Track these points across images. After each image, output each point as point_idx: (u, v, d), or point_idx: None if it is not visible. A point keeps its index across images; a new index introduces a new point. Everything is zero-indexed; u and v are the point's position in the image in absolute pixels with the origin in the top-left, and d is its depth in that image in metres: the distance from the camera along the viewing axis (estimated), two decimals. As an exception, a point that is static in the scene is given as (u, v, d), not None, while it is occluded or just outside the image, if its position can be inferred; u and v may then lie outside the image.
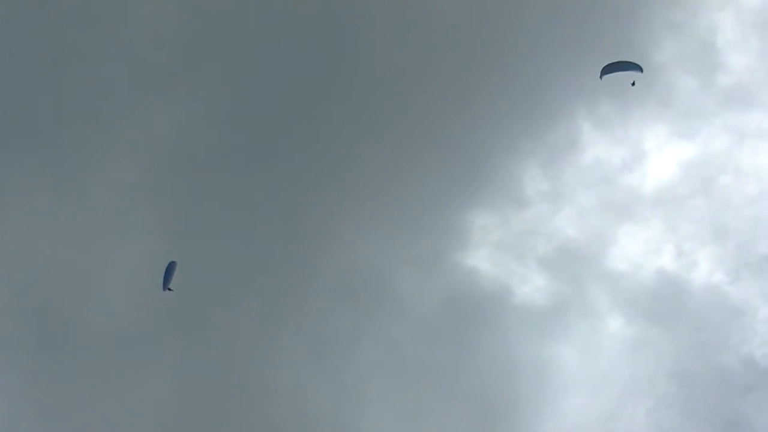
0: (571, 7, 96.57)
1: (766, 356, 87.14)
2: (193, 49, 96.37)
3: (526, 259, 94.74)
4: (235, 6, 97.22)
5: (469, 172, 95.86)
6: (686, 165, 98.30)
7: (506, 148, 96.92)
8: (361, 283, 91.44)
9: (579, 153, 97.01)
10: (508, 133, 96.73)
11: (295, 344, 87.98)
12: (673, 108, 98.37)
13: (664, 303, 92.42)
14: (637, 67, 76.19)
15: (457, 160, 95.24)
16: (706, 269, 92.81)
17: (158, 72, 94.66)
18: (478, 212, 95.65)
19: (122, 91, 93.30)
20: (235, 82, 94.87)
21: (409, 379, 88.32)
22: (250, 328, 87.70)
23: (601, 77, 76.04)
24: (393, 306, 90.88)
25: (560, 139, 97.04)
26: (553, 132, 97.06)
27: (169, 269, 73.27)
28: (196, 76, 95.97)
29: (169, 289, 72.27)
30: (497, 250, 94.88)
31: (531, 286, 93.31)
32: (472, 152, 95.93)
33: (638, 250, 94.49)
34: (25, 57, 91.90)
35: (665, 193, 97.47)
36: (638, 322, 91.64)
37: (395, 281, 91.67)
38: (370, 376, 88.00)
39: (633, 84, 77.83)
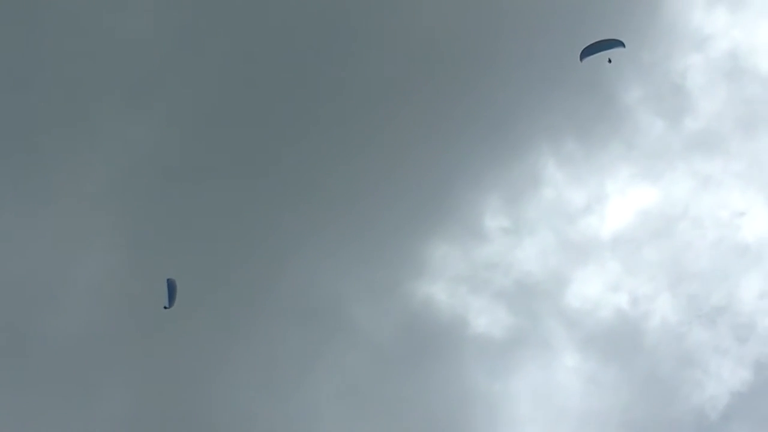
0: (540, 44, 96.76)
1: (716, 410, 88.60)
2: (166, 60, 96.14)
3: (484, 291, 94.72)
4: (209, 19, 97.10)
5: (430, 203, 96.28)
6: (646, 210, 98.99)
7: (469, 181, 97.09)
8: (317, 309, 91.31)
9: (541, 190, 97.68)
10: (472, 166, 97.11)
11: (249, 365, 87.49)
12: (638, 149, 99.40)
13: (619, 342, 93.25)
14: (618, 44, 75.90)
15: (419, 190, 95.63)
16: (660, 315, 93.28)
17: (129, 82, 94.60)
18: (438, 243, 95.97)
19: (92, 101, 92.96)
20: (203, 100, 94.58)
21: (362, 406, 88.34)
22: (205, 346, 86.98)
23: (581, 60, 76.36)
24: (348, 333, 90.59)
25: (523, 174, 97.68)
26: (517, 167, 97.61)
27: (172, 287, 73.71)
28: (165, 89, 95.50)
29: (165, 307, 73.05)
30: (455, 282, 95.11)
31: (487, 319, 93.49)
32: (434, 183, 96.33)
33: (596, 289, 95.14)
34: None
35: (624, 236, 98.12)
36: (593, 359, 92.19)
37: (351, 308, 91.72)
38: (322, 402, 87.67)
39: (609, 61, 77.84)
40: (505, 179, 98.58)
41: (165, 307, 72.87)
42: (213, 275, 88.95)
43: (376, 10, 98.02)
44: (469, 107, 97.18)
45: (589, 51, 75.67)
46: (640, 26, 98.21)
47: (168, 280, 72.91)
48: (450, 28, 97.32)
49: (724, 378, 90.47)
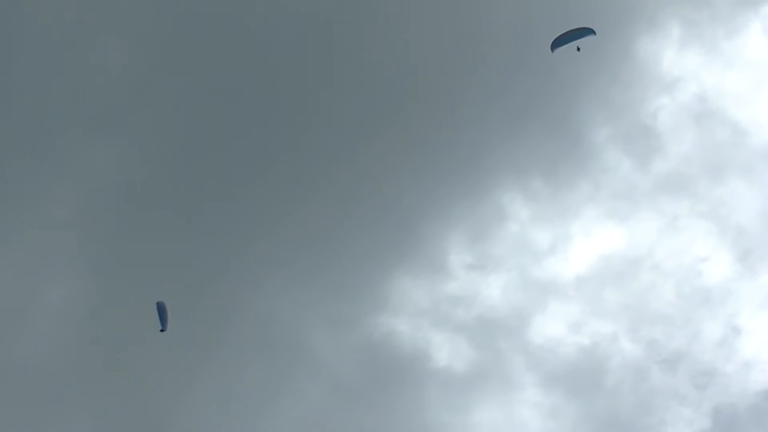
0: (512, 81, 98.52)
1: None
2: (133, 87, 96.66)
3: (446, 326, 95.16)
4: (177, 44, 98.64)
5: (395, 237, 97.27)
6: (611, 251, 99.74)
7: (434, 216, 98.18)
8: (279, 341, 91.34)
9: (506, 227, 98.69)
10: (438, 201, 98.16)
11: (210, 395, 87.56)
12: (605, 189, 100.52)
13: (581, 381, 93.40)
14: (589, 32, 76.07)
15: (384, 224, 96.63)
16: (621, 358, 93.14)
17: (96, 108, 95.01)
18: (401, 277, 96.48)
19: (59, 126, 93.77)
20: (169, 129, 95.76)
21: None
22: (167, 376, 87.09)
23: (552, 51, 76.60)
24: (309, 366, 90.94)
25: (490, 211, 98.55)
26: (483, 204, 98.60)
27: (162, 310, 73.61)
28: (132, 116, 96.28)
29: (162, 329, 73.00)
30: (418, 316, 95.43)
31: (449, 353, 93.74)
32: (399, 217, 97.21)
33: (558, 327, 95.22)
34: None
35: (587, 277, 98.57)
36: (555, 396, 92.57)
37: (313, 341, 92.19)
38: None
39: (578, 50, 77.56)
40: (470, 215, 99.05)
41: (161, 330, 72.90)
42: (175, 304, 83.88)
43: (345, 46, 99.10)
44: (436, 142, 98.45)
45: (559, 42, 76.20)
46: (612, 66, 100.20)
47: (157, 303, 73.00)
48: (418, 65, 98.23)
49: (681, 426, 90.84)
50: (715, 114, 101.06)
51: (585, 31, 75.51)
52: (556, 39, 75.89)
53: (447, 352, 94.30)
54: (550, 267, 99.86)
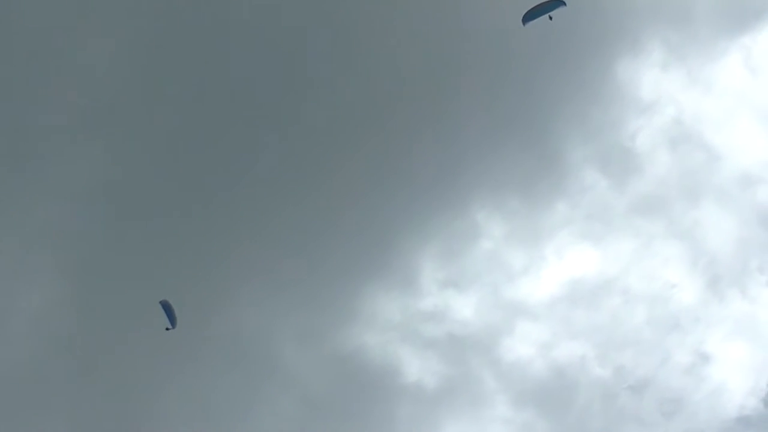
0: (491, 98, 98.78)
1: None
2: (110, 98, 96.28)
3: (418, 341, 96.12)
4: (159, 50, 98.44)
5: (370, 251, 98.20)
6: (583, 273, 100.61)
7: (410, 231, 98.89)
8: (250, 353, 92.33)
9: (481, 244, 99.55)
10: (414, 216, 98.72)
11: (182, 407, 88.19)
12: (581, 210, 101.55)
13: (550, 399, 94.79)
14: (560, 3, 76.49)
15: (357, 238, 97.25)
16: (589, 381, 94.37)
17: (71, 120, 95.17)
18: (374, 292, 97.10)
19: (35, 137, 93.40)
20: (140, 142, 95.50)
21: None
22: (139, 388, 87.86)
23: (524, 24, 76.87)
24: (280, 379, 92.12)
25: (465, 228, 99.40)
26: (459, 220, 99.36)
27: (167, 308, 74.06)
28: (111, 124, 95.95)
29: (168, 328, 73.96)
30: (389, 331, 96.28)
31: (420, 369, 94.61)
32: (375, 231, 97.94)
33: (528, 346, 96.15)
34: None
35: (559, 297, 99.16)
36: (525, 412, 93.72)
37: (284, 354, 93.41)
38: None
39: (550, 18, 77.22)
40: (445, 232, 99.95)
41: (167, 329, 73.53)
42: (147, 316, 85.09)
43: (326, 62, 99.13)
44: (412, 159, 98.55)
45: (531, 15, 76.46)
46: (592, 87, 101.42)
47: (161, 302, 73.46)
48: (397, 80, 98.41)
49: None
50: (692, 138, 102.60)
51: (556, 3, 76.17)
52: (527, 12, 76.28)
53: (418, 367, 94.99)
54: (522, 286, 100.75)
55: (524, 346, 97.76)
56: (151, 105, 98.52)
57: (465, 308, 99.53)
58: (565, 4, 75.78)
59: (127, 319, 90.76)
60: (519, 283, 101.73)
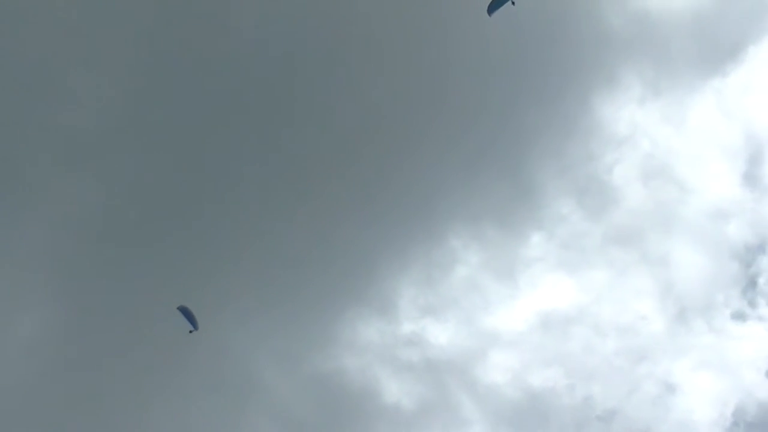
0: (468, 129, 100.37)
1: None
2: (103, 125, 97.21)
3: (396, 365, 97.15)
4: (155, 82, 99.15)
5: (350, 278, 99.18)
6: (555, 304, 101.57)
7: (389, 259, 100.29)
8: (232, 374, 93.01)
9: (457, 273, 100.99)
10: (393, 245, 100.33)
11: (167, 425, 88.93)
12: (555, 240, 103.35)
13: (524, 420, 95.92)
14: None
15: (337, 265, 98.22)
16: (559, 409, 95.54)
17: (71, 144, 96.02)
18: (355, 317, 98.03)
19: (29, 161, 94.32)
20: (131, 167, 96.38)
21: None
22: (123, 410, 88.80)
23: (489, 14, 77.73)
24: (261, 402, 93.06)
25: (442, 257, 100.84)
26: (436, 249, 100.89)
27: (186, 313, 75.92)
28: (101, 154, 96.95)
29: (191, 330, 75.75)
30: (369, 354, 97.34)
31: (398, 390, 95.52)
32: (354, 258, 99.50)
33: (502, 372, 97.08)
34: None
35: (533, 325, 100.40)
36: (501, 429, 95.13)
37: (265, 377, 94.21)
38: None
39: (513, 3, 78.14)
40: (423, 260, 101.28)
41: (190, 331, 75.51)
42: (132, 340, 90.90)
43: (306, 92, 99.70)
44: (392, 189, 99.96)
45: (495, 5, 77.37)
46: (569, 120, 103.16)
47: (179, 307, 75.33)
48: (377, 112, 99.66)
49: None
50: (665, 172, 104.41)
51: None
52: (490, 4, 77.31)
53: (396, 390, 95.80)
54: (497, 314, 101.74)
55: (498, 372, 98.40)
56: (133, 138, 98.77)
57: (442, 334, 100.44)
58: None
59: (116, 342, 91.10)
60: (494, 311, 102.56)
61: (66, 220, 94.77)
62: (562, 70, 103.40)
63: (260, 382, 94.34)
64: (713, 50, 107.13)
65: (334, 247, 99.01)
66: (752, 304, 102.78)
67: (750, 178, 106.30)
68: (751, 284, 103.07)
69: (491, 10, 77.09)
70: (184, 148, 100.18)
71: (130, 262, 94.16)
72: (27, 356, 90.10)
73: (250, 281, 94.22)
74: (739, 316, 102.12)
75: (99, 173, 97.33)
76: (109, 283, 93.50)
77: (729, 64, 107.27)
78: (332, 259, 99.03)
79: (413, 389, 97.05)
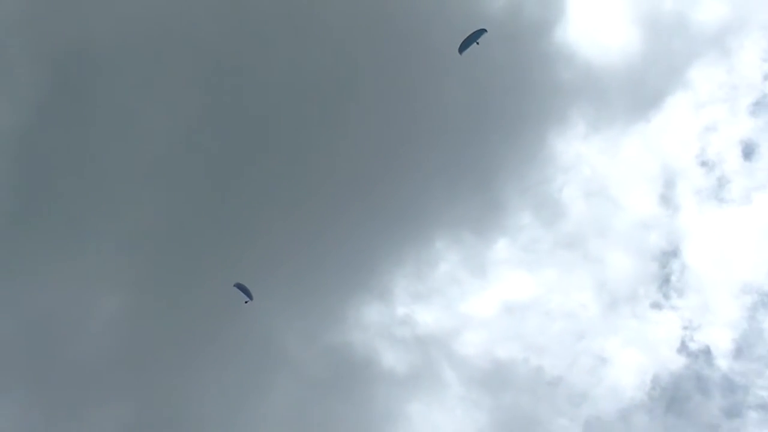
0: (452, 160, 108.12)
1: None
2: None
3: (392, 339, 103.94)
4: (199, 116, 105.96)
5: (357, 272, 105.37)
6: (517, 294, 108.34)
7: (387, 257, 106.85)
8: (264, 346, 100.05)
9: (441, 268, 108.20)
10: (391, 246, 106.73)
11: (216, 388, 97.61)
12: (517, 244, 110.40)
13: (492, 382, 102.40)
14: (483, 31, 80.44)
15: (349, 261, 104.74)
16: (518, 377, 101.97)
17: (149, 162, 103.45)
18: (360, 301, 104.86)
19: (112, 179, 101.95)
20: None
21: (298, 420, 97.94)
22: (183, 375, 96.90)
23: (460, 53, 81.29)
24: (287, 365, 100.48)
25: (428, 255, 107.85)
26: (424, 249, 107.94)
27: (242, 288, 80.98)
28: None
29: (246, 301, 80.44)
30: (370, 331, 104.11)
31: (393, 359, 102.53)
32: (361, 257, 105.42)
33: (475, 347, 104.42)
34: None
35: (500, 311, 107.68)
36: (476, 391, 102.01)
37: (289, 346, 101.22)
38: (269, 417, 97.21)
39: (477, 43, 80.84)
40: (413, 257, 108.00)
41: (246, 302, 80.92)
42: (192, 316, 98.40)
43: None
44: (391, 202, 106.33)
45: (464, 46, 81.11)
46: (529, 151, 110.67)
47: (236, 285, 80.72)
48: (383, 146, 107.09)
49: None
50: (601, 192, 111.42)
51: (479, 32, 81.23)
52: (460, 45, 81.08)
53: (391, 358, 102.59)
54: (471, 301, 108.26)
55: (471, 346, 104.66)
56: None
57: (428, 316, 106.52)
58: (486, 31, 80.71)
59: (180, 317, 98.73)
60: (468, 299, 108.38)
61: (145, 222, 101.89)
62: (525, 112, 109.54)
63: (286, 351, 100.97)
64: (640, 100, 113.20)
65: (346, 247, 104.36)
66: (666, 296, 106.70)
67: (665, 199, 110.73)
68: (665, 281, 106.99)
69: (461, 50, 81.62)
70: (230, 172, 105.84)
71: (192, 257, 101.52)
72: (111, 328, 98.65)
73: (278, 276, 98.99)
74: (656, 306, 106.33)
75: (168, 187, 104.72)
76: (177, 268, 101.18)
77: (651, 111, 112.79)
78: (343, 256, 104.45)
79: (405, 358, 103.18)
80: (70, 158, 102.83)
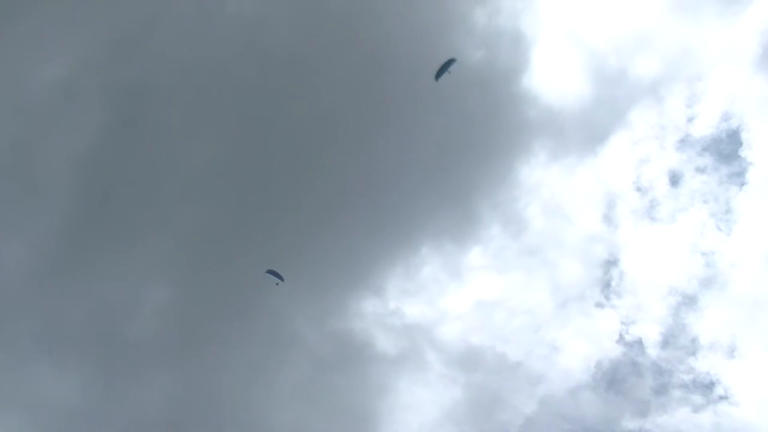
0: (435, 180, 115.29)
1: (514, 426, 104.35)
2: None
3: (384, 327, 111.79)
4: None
5: (355, 270, 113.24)
6: (488, 294, 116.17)
7: (381, 258, 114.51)
8: (279, 331, 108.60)
9: (425, 270, 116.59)
10: (384, 249, 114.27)
11: (240, 366, 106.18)
12: (489, 251, 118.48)
13: (467, 364, 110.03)
14: (453, 61, 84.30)
15: (349, 262, 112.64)
16: (486, 361, 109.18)
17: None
18: (358, 295, 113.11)
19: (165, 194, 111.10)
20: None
21: (304, 394, 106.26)
22: (210, 352, 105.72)
23: (437, 79, 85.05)
24: (297, 345, 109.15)
25: (415, 258, 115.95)
26: (411, 253, 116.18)
27: (273, 273, 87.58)
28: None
29: (277, 283, 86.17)
30: (367, 320, 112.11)
31: (385, 343, 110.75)
32: (359, 258, 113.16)
33: (452, 334, 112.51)
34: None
35: (473, 307, 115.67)
36: (453, 370, 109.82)
37: (300, 330, 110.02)
38: (280, 391, 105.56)
39: (449, 72, 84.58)
40: (403, 260, 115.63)
41: (277, 284, 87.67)
42: (225, 303, 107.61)
43: (324, 143, 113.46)
44: (387, 213, 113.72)
45: (439, 74, 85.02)
46: (500, 175, 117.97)
47: (268, 271, 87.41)
48: (381, 167, 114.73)
49: (520, 407, 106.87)
50: (557, 211, 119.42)
51: (450, 62, 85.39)
52: (436, 73, 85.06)
53: (383, 342, 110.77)
54: (450, 298, 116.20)
55: (449, 335, 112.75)
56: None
57: (414, 309, 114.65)
58: (456, 60, 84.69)
59: (210, 308, 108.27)
60: (448, 296, 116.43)
61: (187, 228, 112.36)
62: (497, 142, 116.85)
63: (296, 335, 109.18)
64: (590, 136, 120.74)
65: (348, 251, 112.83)
66: (607, 297, 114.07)
67: (607, 218, 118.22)
68: (606, 285, 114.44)
69: (437, 77, 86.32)
70: (256, 188, 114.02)
71: (224, 256, 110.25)
72: (159, 314, 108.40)
73: (293, 272, 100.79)
74: (599, 305, 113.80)
75: (205, 199, 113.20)
76: (212, 266, 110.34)
77: (598, 145, 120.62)
78: (346, 258, 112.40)
79: (395, 343, 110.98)
80: (128, 174, 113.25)
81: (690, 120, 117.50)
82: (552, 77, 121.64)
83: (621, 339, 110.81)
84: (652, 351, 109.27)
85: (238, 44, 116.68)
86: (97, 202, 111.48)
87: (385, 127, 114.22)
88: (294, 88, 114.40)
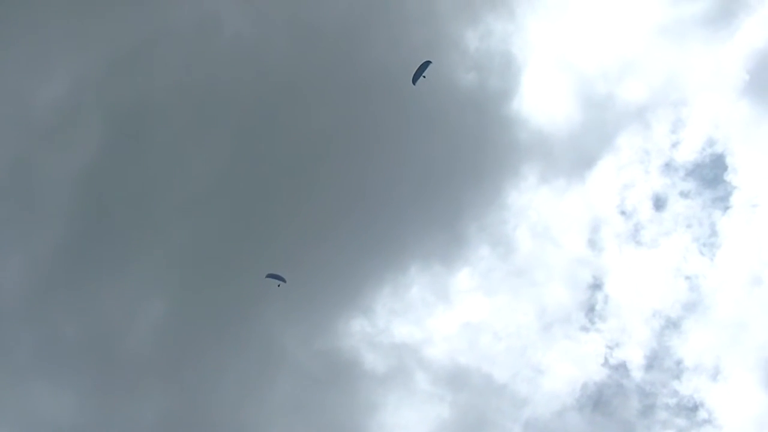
0: (424, 201, 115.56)
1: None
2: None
3: (372, 345, 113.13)
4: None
5: (344, 290, 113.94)
6: (474, 316, 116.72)
7: (370, 279, 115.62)
8: (268, 348, 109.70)
9: (413, 291, 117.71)
10: (373, 269, 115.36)
11: (226, 380, 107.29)
12: (477, 273, 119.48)
13: (453, 382, 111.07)
14: (429, 63, 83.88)
15: (338, 282, 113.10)
16: (471, 382, 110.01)
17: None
18: (348, 314, 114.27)
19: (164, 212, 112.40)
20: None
21: (293, 409, 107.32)
22: (202, 368, 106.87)
23: (414, 83, 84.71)
24: (287, 363, 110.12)
25: (404, 279, 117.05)
26: (400, 274, 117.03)
27: (273, 275, 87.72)
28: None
29: (280, 284, 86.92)
30: (355, 338, 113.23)
31: (373, 361, 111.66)
32: (348, 279, 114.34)
33: (440, 352, 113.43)
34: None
35: (460, 328, 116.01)
36: (440, 389, 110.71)
37: (290, 348, 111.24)
38: (270, 404, 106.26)
39: (424, 77, 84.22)
40: (392, 280, 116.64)
41: (279, 285, 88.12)
42: (215, 326, 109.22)
43: (318, 155, 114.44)
44: (377, 235, 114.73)
45: (415, 77, 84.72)
46: (489, 198, 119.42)
47: (269, 275, 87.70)
48: (375, 189, 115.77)
49: (506, 430, 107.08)
50: (546, 234, 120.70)
51: (426, 65, 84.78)
52: (412, 78, 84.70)
53: (371, 361, 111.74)
54: (438, 318, 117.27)
55: (436, 354, 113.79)
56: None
57: (402, 329, 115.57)
58: (431, 62, 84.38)
59: (203, 324, 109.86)
60: (435, 317, 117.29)
61: (183, 245, 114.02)
62: (486, 165, 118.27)
63: (287, 352, 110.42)
64: (578, 160, 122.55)
65: (338, 271, 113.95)
66: (591, 321, 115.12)
67: (592, 242, 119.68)
68: (591, 309, 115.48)
69: (414, 80, 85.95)
70: (249, 206, 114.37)
71: (218, 274, 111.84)
72: (155, 329, 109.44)
73: (284, 291, 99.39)
74: (583, 329, 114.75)
75: (201, 216, 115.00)
76: (206, 283, 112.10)
77: (585, 171, 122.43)
78: (336, 279, 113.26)
79: (383, 361, 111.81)
80: (126, 192, 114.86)
81: (674, 145, 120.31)
82: (541, 101, 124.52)
83: (606, 362, 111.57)
84: (637, 374, 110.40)
85: (236, 65, 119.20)
86: (95, 219, 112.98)
87: (375, 149, 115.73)
88: (287, 110, 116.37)
